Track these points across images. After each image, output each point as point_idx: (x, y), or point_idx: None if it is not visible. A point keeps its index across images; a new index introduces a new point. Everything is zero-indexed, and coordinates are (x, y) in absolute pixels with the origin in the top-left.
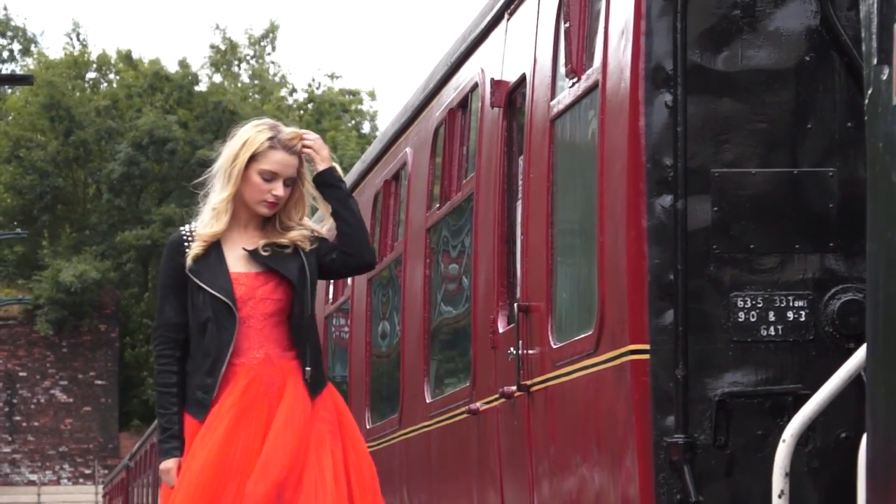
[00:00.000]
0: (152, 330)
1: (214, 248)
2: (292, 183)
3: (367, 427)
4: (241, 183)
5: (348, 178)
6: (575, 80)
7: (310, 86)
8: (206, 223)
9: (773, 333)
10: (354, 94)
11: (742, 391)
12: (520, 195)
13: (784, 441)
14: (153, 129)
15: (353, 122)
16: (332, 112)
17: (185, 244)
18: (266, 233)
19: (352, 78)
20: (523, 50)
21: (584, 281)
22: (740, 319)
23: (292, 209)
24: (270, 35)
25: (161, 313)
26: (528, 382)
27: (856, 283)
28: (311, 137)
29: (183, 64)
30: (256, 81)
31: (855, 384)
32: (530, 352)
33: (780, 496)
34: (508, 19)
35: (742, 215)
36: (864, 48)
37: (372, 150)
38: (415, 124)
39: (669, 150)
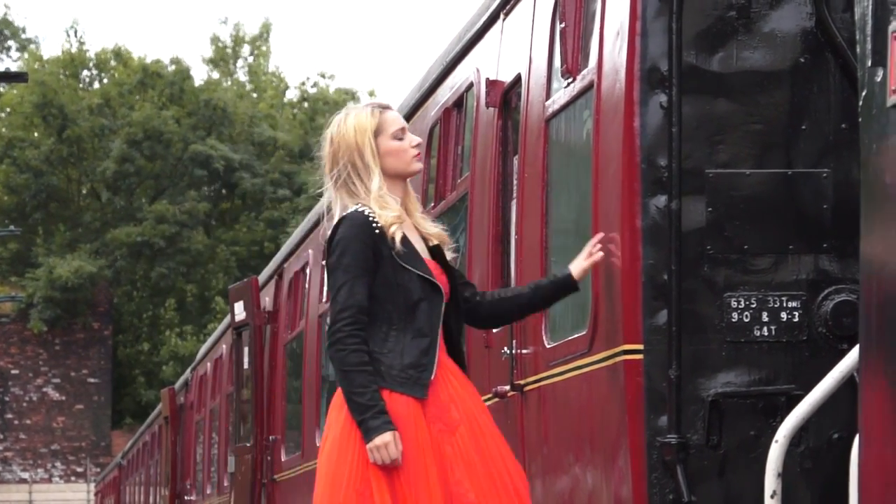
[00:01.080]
0: (335, 312)
1: (403, 234)
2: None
3: None
4: (382, 161)
5: None
6: (570, 80)
7: (303, 84)
8: (390, 209)
9: (766, 334)
10: (350, 93)
11: (735, 391)
12: (514, 195)
13: (777, 441)
14: (147, 124)
15: None
16: (326, 110)
17: (374, 225)
18: (414, 226)
19: (348, 77)
20: (519, 50)
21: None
22: (734, 320)
23: (412, 193)
24: (264, 34)
25: (350, 294)
26: (522, 382)
27: (849, 285)
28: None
29: (175, 60)
30: (251, 79)
31: (848, 385)
32: (524, 351)
33: (772, 496)
34: (504, 19)
35: (736, 216)
36: (858, 50)
37: None
38: (410, 123)
39: (664, 151)
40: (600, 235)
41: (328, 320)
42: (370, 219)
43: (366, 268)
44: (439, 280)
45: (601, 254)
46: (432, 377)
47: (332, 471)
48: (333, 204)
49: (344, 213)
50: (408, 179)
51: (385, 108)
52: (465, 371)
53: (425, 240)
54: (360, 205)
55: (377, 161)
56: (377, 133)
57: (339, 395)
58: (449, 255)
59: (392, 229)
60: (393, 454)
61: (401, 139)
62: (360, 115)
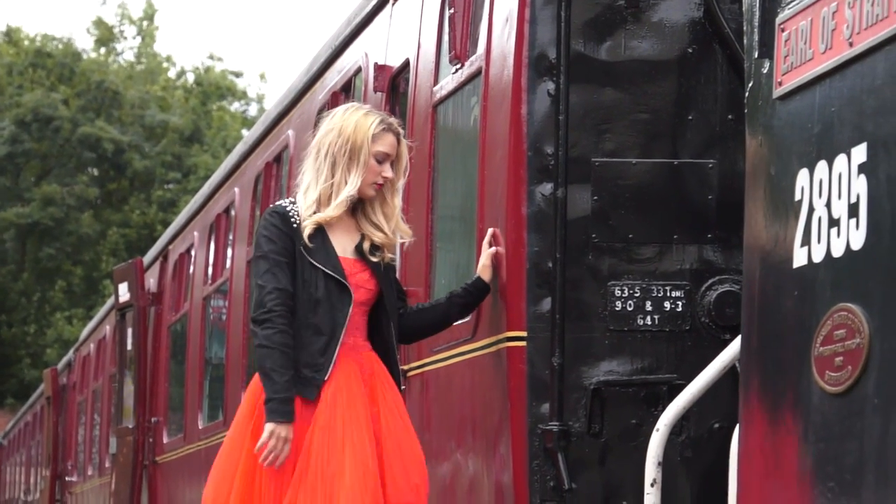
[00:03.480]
0: (262, 294)
1: (320, 230)
2: (392, 164)
3: None
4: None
5: (230, 160)
6: (458, 66)
7: (197, 68)
8: (332, 207)
9: (649, 323)
10: (239, 75)
11: (617, 380)
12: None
13: (658, 430)
14: (38, 107)
15: (238, 104)
16: (217, 94)
17: (293, 218)
18: (358, 226)
19: (237, 60)
20: (407, 35)
21: (464, 267)
22: (617, 308)
23: (379, 206)
24: (150, 15)
25: (276, 279)
26: (406, 367)
27: (732, 275)
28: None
29: (64, 41)
30: (138, 60)
31: (729, 375)
32: None
33: (652, 485)
34: (393, 4)
35: (621, 205)
36: (745, 41)
37: (254, 132)
38: (298, 107)
39: (551, 139)
40: (492, 231)
41: (253, 305)
42: (289, 211)
43: (287, 255)
44: (354, 281)
45: (499, 248)
46: (326, 377)
47: (221, 467)
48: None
49: (271, 206)
50: (397, 201)
51: (392, 130)
52: (398, 376)
53: (376, 249)
54: (286, 200)
55: (364, 167)
56: (371, 141)
57: (249, 388)
58: (389, 257)
59: (304, 223)
60: (279, 447)
61: (380, 161)
62: (368, 118)
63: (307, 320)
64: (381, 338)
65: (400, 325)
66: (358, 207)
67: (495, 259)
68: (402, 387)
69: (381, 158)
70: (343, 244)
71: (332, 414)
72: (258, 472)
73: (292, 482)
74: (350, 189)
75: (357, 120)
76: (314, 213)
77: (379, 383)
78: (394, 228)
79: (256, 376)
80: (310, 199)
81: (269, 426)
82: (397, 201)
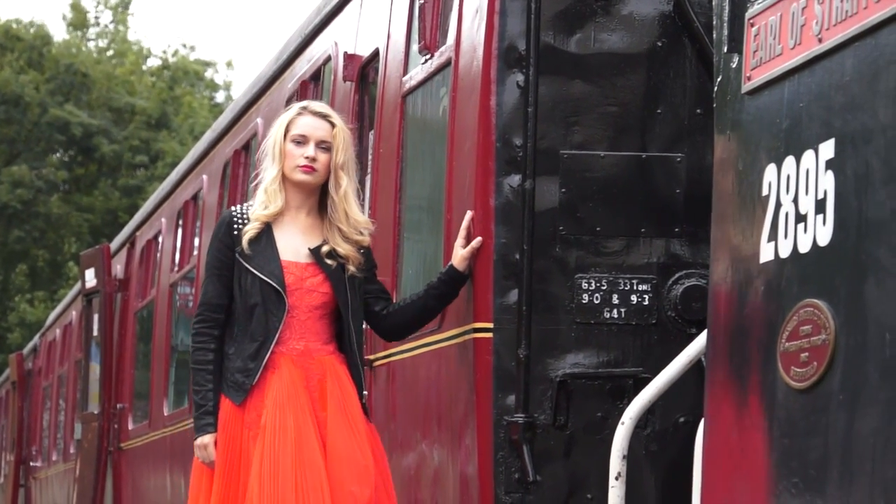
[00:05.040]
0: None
1: (266, 233)
2: (328, 149)
3: None
4: (283, 159)
5: (198, 147)
6: (428, 56)
7: (164, 52)
8: (261, 204)
9: (615, 316)
10: (210, 64)
11: (583, 372)
12: (369, 170)
13: (623, 423)
14: (5, 88)
15: (207, 91)
16: (186, 79)
17: (236, 225)
18: (323, 232)
19: (209, 48)
20: (377, 24)
21: (431, 258)
22: (584, 301)
23: (341, 204)
24: (126, 3)
25: (204, 292)
26: (371, 357)
27: (699, 269)
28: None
29: (34, 24)
30: (110, 45)
31: (695, 369)
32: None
33: (616, 478)
34: None
35: (589, 197)
36: (715, 36)
37: (223, 119)
38: (266, 95)
39: (519, 131)
40: (469, 216)
41: None
42: (233, 218)
43: (220, 266)
44: (306, 285)
45: (479, 239)
46: (254, 382)
47: (193, 483)
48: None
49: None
50: (340, 190)
51: (311, 111)
52: (359, 380)
53: (338, 256)
54: (245, 204)
55: (279, 157)
56: (287, 130)
57: None
58: (352, 269)
59: (247, 227)
60: (209, 457)
61: (298, 143)
62: (290, 111)
63: (245, 326)
64: (342, 342)
65: (384, 324)
66: (325, 211)
67: (475, 245)
68: (364, 391)
69: (299, 140)
70: (296, 246)
71: (265, 420)
72: (220, 494)
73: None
74: (268, 178)
75: (281, 116)
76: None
77: (331, 388)
78: (352, 223)
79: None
80: (257, 201)
81: (195, 443)
82: (347, 192)
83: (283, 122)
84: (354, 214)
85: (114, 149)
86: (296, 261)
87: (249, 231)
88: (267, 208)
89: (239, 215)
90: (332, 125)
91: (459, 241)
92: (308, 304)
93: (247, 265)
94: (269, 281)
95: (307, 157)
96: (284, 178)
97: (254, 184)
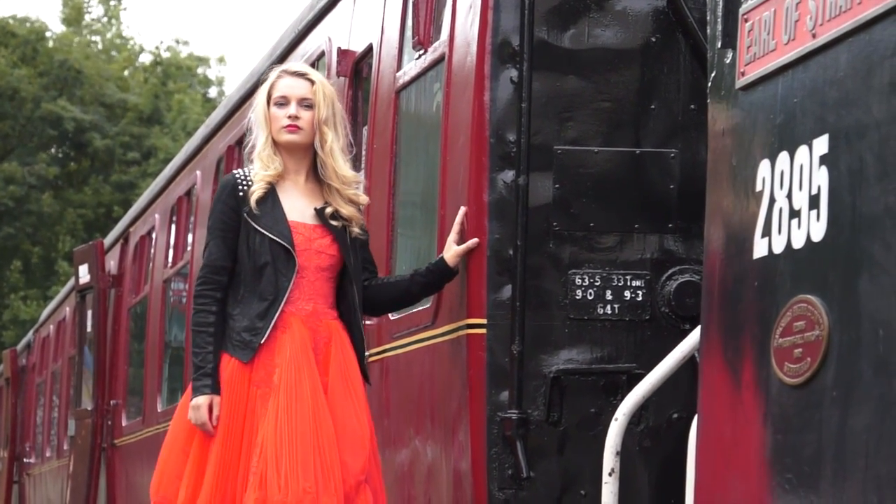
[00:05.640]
0: (200, 269)
1: (271, 194)
2: (311, 106)
3: None
4: (270, 124)
5: (192, 143)
6: (421, 52)
7: (157, 48)
8: (261, 168)
9: (609, 312)
10: (203, 60)
11: (577, 368)
12: (363, 165)
13: (616, 419)
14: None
15: (199, 86)
16: (178, 75)
17: (241, 186)
18: (323, 195)
19: (202, 43)
20: (371, 20)
21: (425, 253)
22: (578, 297)
23: (328, 161)
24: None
25: (208, 254)
26: (366, 353)
27: (693, 265)
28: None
29: (28, 19)
30: (102, 40)
31: (689, 365)
32: (368, 323)
33: (610, 474)
34: None
35: (583, 193)
36: (709, 31)
37: (216, 115)
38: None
39: (513, 126)
40: (463, 211)
41: None
42: (237, 180)
43: (224, 228)
44: (314, 246)
45: (475, 240)
46: (263, 341)
47: (163, 457)
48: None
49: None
50: (326, 146)
51: (289, 73)
52: (361, 344)
53: (342, 216)
54: (246, 168)
55: (266, 123)
56: (269, 96)
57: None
58: (356, 231)
59: (253, 187)
60: (201, 418)
61: (280, 105)
62: (270, 75)
63: (254, 286)
64: (345, 305)
65: (364, 296)
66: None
67: (471, 245)
68: (366, 353)
69: (280, 102)
70: (301, 208)
71: (279, 378)
72: (220, 450)
73: (252, 449)
74: (259, 145)
75: (263, 84)
76: None
77: (335, 353)
78: (341, 178)
79: None
80: (255, 167)
81: (191, 404)
82: (332, 147)
83: (265, 88)
84: (342, 170)
85: (106, 143)
86: (303, 221)
87: (257, 191)
88: (267, 171)
89: (242, 178)
90: (312, 82)
91: (453, 235)
92: (317, 264)
93: (255, 225)
94: (278, 240)
95: (290, 117)
96: (276, 145)
97: (247, 150)
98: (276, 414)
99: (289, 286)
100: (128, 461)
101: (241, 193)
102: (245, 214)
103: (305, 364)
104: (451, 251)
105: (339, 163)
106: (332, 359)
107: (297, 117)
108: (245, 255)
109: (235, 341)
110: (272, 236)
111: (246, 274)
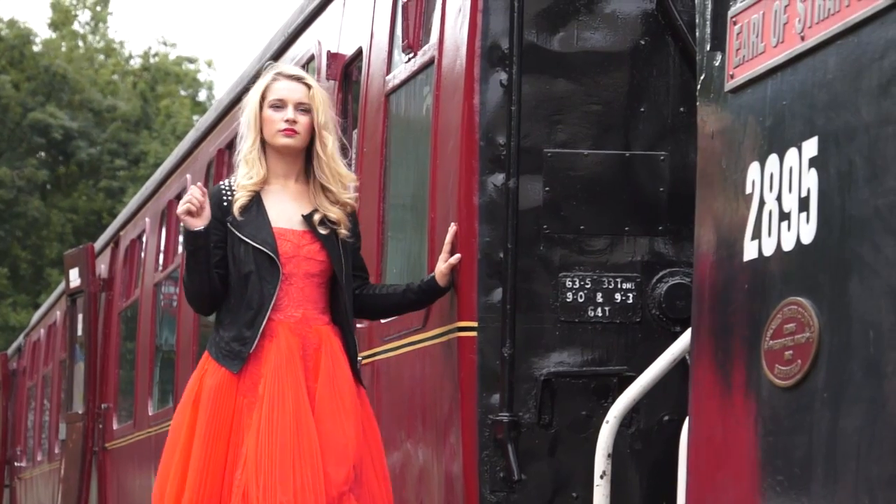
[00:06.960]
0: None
1: (256, 202)
2: (307, 110)
3: None
4: (263, 127)
5: (182, 146)
6: (411, 55)
7: (146, 53)
8: (244, 175)
9: (600, 315)
10: (192, 61)
11: (568, 371)
12: (353, 169)
13: (607, 422)
14: None
15: (188, 90)
16: (167, 79)
17: (225, 197)
18: (311, 199)
19: (190, 47)
20: (360, 23)
21: (415, 256)
22: (568, 300)
23: (330, 162)
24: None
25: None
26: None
27: (683, 268)
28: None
29: (13, 23)
30: (88, 45)
31: (679, 368)
32: (358, 326)
33: (601, 476)
34: None
35: (573, 196)
36: (697, 34)
37: (206, 119)
38: (247, 95)
39: (503, 129)
40: (453, 230)
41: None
42: (222, 191)
43: (213, 241)
44: (302, 253)
45: (458, 256)
46: (251, 350)
47: (166, 459)
48: None
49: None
50: (327, 149)
51: (285, 76)
52: (353, 349)
53: (331, 222)
54: (232, 177)
55: (256, 125)
56: (263, 98)
57: (191, 377)
58: (344, 233)
59: (236, 195)
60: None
61: (277, 108)
62: (263, 78)
63: (241, 295)
64: (337, 311)
65: (355, 305)
66: (310, 178)
67: (453, 262)
68: (359, 358)
69: (277, 105)
70: (289, 214)
71: (263, 390)
72: (203, 458)
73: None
74: (246, 148)
75: (256, 85)
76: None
77: (325, 360)
78: (338, 179)
79: (200, 362)
80: (240, 172)
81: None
82: (333, 150)
83: (259, 89)
84: (341, 170)
85: (91, 153)
86: (290, 228)
87: (239, 199)
88: (251, 179)
89: (227, 188)
90: (308, 87)
91: (443, 255)
92: (305, 271)
93: (238, 234)
94: (261, 248)
95: (287, 121)
96: (266, 147)
97: (237, 155)
98: (257, 427)
99: (274, 293)
100: (119, 465)
101: (225, 204)
102: (229, 224)
103: (289, 375)
104: (439, 271)
105: (340, 165)
106: (322, 366)
107: (294, 121)
108: (232, 265)
109: (225, 351)
110: (255, 244)
111: (234, 284)
